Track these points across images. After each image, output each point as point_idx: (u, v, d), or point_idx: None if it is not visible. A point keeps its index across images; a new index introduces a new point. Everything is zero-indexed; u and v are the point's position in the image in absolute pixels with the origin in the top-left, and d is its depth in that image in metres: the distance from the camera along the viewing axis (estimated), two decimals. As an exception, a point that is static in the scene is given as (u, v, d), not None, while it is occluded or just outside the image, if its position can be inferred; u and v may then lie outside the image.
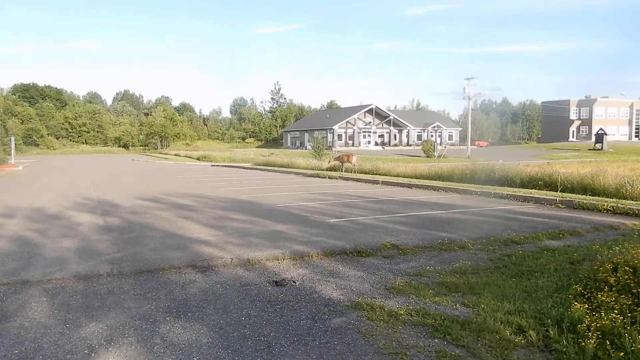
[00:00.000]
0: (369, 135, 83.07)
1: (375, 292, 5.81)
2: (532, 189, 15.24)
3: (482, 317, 4.87)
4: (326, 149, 52.59)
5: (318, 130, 76.01)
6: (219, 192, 15.48)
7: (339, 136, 79.62)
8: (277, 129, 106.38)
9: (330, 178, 21.04)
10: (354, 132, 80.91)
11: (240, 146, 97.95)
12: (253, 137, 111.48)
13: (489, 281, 6.02)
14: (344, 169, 22.50)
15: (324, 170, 24.36)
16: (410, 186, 17.04)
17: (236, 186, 17.68)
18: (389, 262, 6.97)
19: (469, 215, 10.51)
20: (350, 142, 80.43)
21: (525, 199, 13.11)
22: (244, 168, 31.43)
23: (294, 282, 6.15)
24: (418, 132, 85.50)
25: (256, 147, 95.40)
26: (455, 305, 5.31)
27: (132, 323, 4.96)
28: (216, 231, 8.84)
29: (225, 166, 34.92)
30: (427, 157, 49.17)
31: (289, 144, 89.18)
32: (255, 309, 5.28)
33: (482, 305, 5.16)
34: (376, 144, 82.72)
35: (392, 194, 14.61)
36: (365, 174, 22.78)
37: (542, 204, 12.49)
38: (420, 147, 61.06)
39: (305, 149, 73.30)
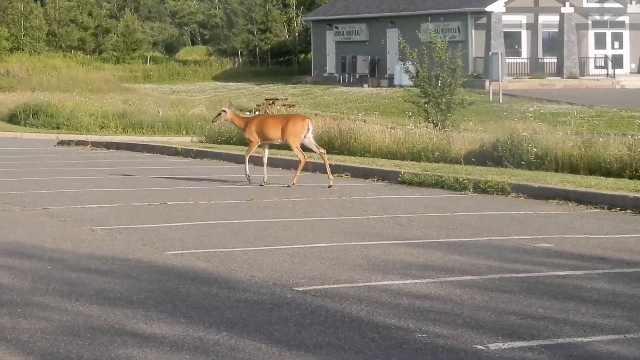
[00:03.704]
0: (618, 41, 67.37)
1: None
2: None
3: None
4: (460, 84, 39.91)
5: (433, 15, 60.42)
6: (89, 240, 13.74)
7: (511, 38, 65.49)
8: (291, 16, 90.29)
9: (491, 189, 19.11)
10: (563, 28, 65.02)
11: (160, 75, 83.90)
12: (211, 45, 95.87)
13: None
14: (265, 153, 21.38)
15: (458, 155, 23.27)
16: None
17: (150, 217, 16.48)
18: None
19: None
20: (552, 58, 65.65)
21: None
22: (174, 154, 28.98)
23: None
24: None
25: (215, 80, 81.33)
26: None
27: None
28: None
29: (110, 146, 32.36)
30: None
31: (330, 67, 74.72)
32: None
33: None
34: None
35: None
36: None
37: None
38: None
39: (397, 85, 60.55)
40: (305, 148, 21.81)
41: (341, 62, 69.54)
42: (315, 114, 36.39)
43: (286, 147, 21.82)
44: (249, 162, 21.30)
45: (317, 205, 17.89)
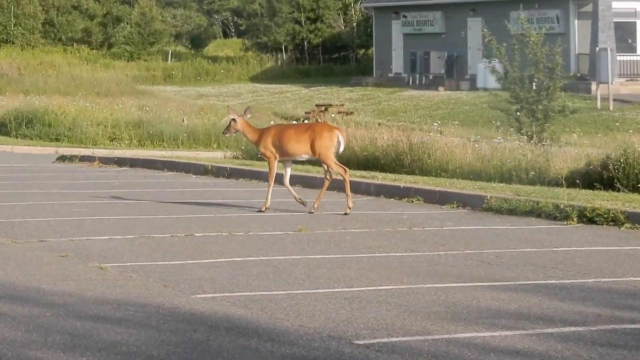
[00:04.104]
0: None
1: None
2: None
3: None
4: (560, 87, 40.46)
5: (526, 1, 59.84)
6: (97, 280, 13.42)
7: (623, 29, 65.24)
8: (347, 2, 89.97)
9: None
10: None
11: (184, 75, 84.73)
12: (248, 37, 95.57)
13: None
14: (287, 172, 21.37)
15: (558, 176, 22.82)
16: None
17: (173, 252, 15.96)
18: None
19: None
20: None
21: None
22: (203, 173, 28.97)
23: None
24: None
25: (253, 81, 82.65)
26: None
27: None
28: None
29: (123, 163, 32.77)
30: None
31: (396, 66, 75.26)
32: None
33: None
34: None
35: None
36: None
37: None
38: None
39: (481, 88, 61.60)
40: (315, 162, 21.65)
41: (410, 60, 69.61)
42: (379, 124, 36.26)
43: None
44: (273, 186, 20.76)
45: (381, 237, 17.46)
